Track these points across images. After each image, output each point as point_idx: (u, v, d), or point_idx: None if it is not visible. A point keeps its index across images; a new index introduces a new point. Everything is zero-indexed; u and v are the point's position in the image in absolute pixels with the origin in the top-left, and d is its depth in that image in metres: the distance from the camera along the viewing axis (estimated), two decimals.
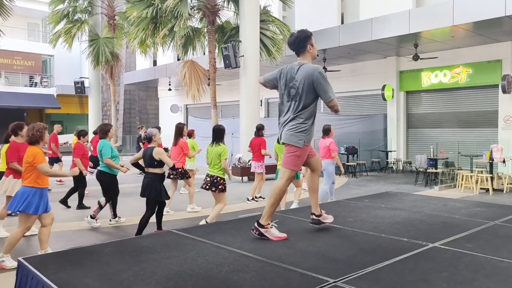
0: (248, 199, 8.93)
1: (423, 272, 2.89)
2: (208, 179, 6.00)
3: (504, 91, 12.68)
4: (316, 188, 4.09)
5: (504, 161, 10.17)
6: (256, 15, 13.16)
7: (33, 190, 4.46)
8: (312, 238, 3.80)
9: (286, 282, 2.73)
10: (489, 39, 12.55)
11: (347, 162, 13.72)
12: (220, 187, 5.96)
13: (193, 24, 14.88)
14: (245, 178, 12.52)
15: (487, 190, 10.09)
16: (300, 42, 3.81)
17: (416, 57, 13.30)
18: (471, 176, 10.40)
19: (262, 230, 3.69)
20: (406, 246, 3.46)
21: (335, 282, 2.65)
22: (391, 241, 3.63)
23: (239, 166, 12.27)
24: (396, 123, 15.49)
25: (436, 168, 11.42)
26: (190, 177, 8.08)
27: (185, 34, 14.29)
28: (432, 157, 11.42)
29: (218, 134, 6.08)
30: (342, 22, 16.36)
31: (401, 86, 15.54)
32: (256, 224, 3.72)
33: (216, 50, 14.51)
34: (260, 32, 13.34)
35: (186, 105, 24.44)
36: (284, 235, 3.73)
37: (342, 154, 13.32)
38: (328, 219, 4.06)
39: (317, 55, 3.98)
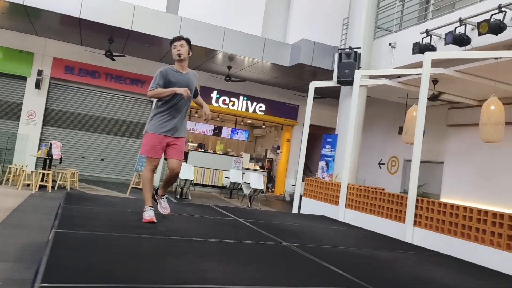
0: None
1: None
2: None
3: (37, 86, 12.47)
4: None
5: (61, 159, 10.12)
6: None
7: None
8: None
9: None
10: (26, 28, 11.91)
11: None
12: None
13: None
14: None
15: (45, 186, 9.70)
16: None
17: None
18: (25, 172, 9.59)
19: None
20: (268, 246, 3.51)
21: None
22: (243, 244, 3.51)
23: None
24: None
25: None
26: None
27: None
28: None
29: None
30: None
31: None
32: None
33: None
34: None
35: None
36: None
37: None
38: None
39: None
